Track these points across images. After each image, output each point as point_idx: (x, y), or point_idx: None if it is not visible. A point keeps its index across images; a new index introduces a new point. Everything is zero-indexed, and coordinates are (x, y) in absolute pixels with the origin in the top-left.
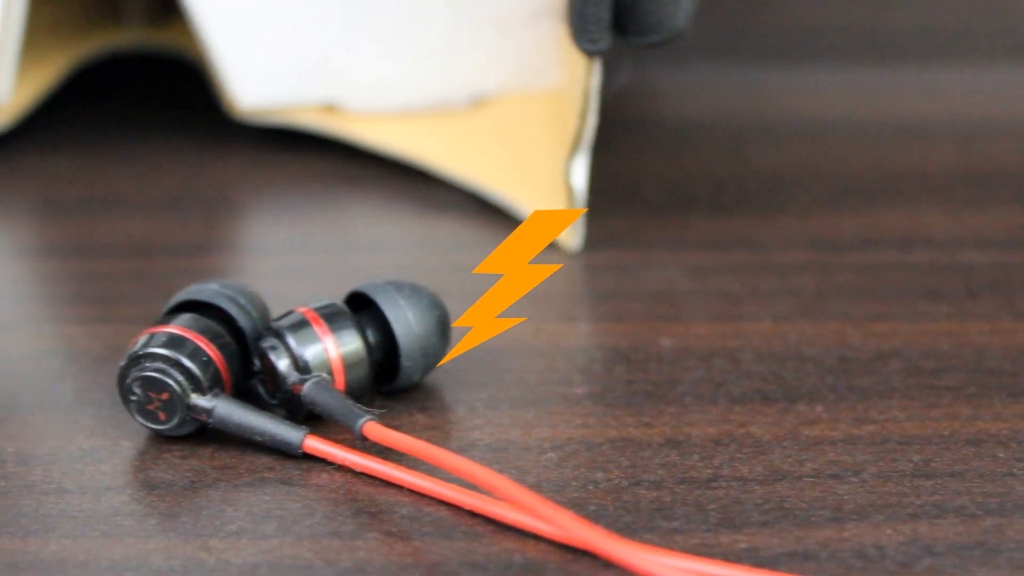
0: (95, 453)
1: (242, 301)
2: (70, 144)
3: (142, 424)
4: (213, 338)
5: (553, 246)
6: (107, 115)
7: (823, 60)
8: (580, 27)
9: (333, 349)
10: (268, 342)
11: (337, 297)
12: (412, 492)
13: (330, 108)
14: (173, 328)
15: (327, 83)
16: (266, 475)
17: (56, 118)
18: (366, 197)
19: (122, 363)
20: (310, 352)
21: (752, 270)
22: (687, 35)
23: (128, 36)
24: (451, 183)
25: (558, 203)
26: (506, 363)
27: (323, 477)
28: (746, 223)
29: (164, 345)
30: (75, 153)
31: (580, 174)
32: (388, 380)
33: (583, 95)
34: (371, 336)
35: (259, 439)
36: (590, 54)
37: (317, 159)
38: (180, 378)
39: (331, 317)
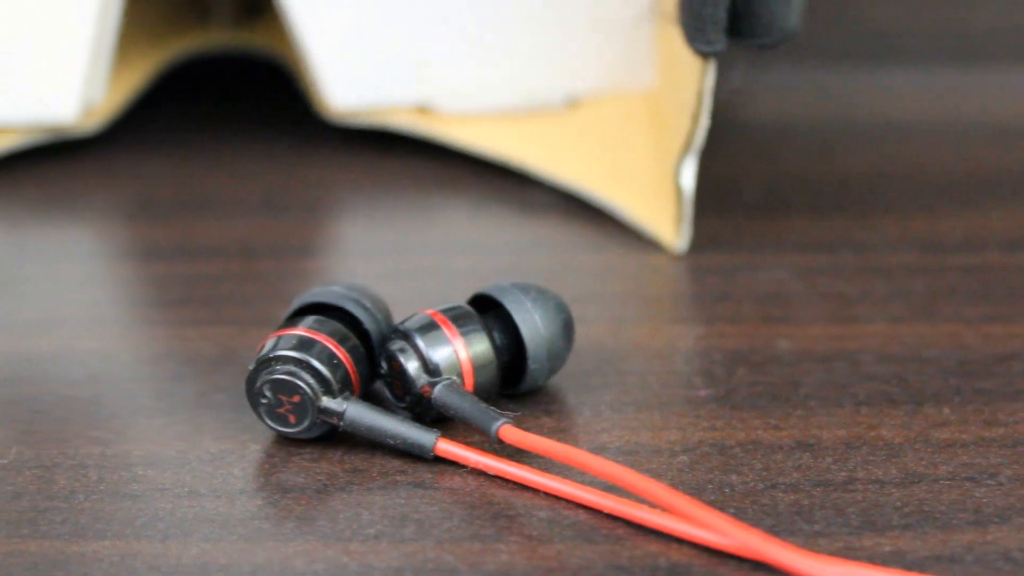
0: (224, 456)
1: (367, 303)
2: (162, 145)
3: (271, 428)
4: (341, 340)
5: (658, 247)
6: (197, 116)
7: (903, 61)
8: (697, 28)
9: (463, 351)
10: (396, 344)
11: (444, 299)
12: (547, 495)
13: (423, 109)
14: (302, 330)
15: (421, 84)
16: (398, 478)
17: (146, 120)
18: (461, 199)
19: (251, 367)
20: (440, 354)
21: (860, 272)
22: (798, 37)
23: (215, 37)
24: (546, 184)
25: (659, 204)
26: (625, 365)
27: (456, 480)
28: (847, 224)
29: (294, 347)
30: (167, 154)
31: (689, 176)
32: (513, 383)
33: (696, 97)
34: (498, 338)
35: (390, 442)
36: (706, 55)
37: (409, 160)
38: (311, 381)
39: (459, 319)
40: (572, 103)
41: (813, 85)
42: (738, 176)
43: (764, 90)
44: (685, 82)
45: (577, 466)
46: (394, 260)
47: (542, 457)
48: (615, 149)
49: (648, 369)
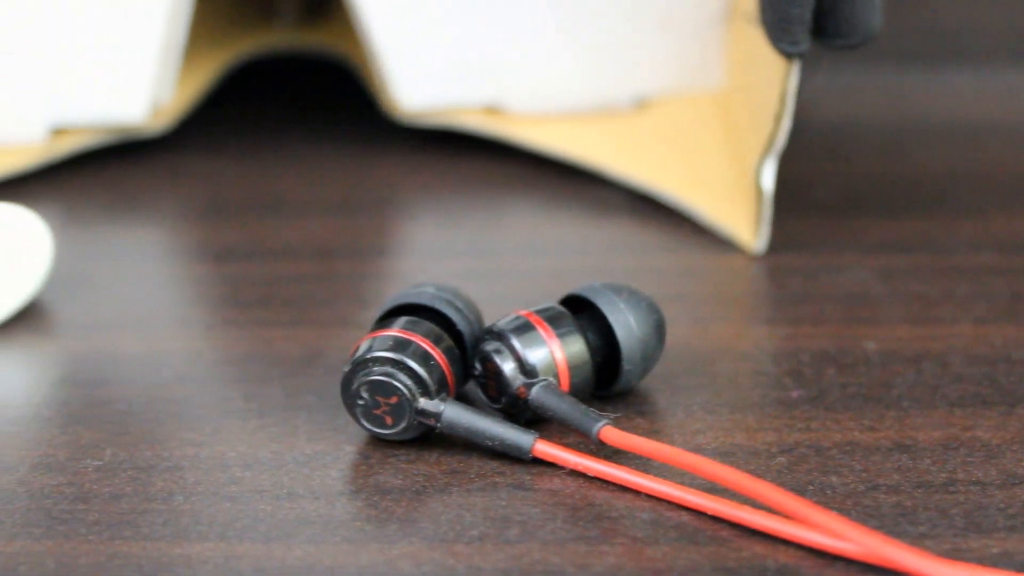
0: (320, 458)
1: (459, 304)
2: (228, 145)
3: (367, 429)
4: (436, 341)
5: (735, 248)
6: (261, 116)
7: (971, 61)
8: (783, 28)
9: (559, 352)
10: (491, 345)
11: (525, 301)
12: (648, 496)
13: (492, 110)
14: (397, 331)
15: (490, 84)
16: (497, 480)
17: (211, 120)
18: (531, 199)
19: (346, 369)
20: (536, 355)
21: (941, 273)
22: (879, 37)
23: (279, 37)
24: (616, 184)
25: (735, 205)
26: (714, 366)
27: (555, 481)
28: (923, 225)
29: (391, 348)
30: (234, 155)
31: (770, 177)
32: (606, 384)
33: (780, 98)
34: (592, 339)
35: (488, 443)
36: (791, 56)
37: (477, 160)
38: (408, 382)
39: (554, 320)
40: (641, 104)
41: (881, 85)
42: (810, 176)
43: (832, 90)
44: (764, 83)
45: (685, 468)
46: (470, 261)
47: (638, 458)
48: (686, 150)
49: (737, 370)
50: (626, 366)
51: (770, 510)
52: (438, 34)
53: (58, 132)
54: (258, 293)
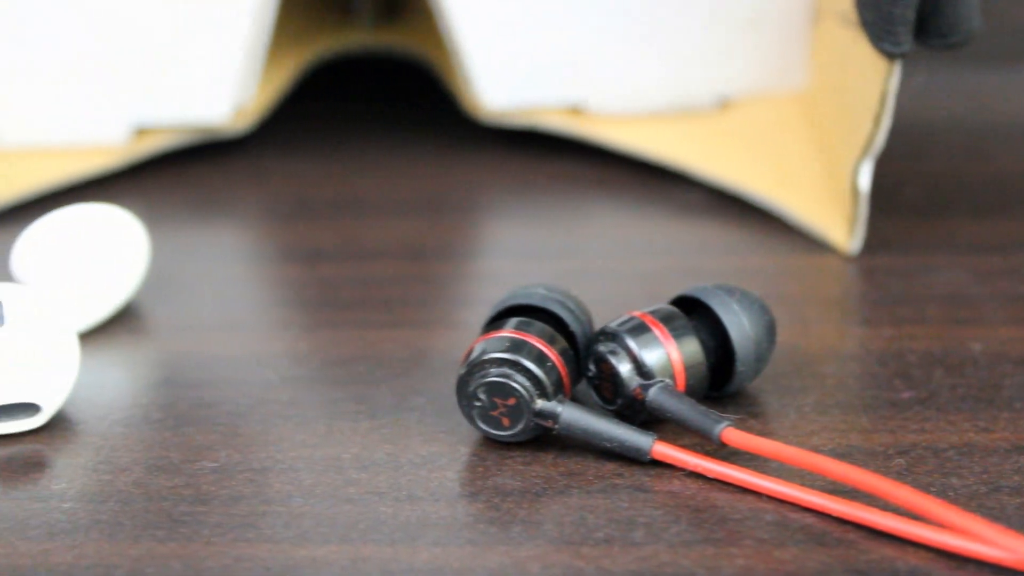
0: (435, 460)
1: (570, 305)
2: (308, 146)
3: (483, 431)
4: (551, 342)
5: (827, 248)
6: (339, 116)
7: None
8: (885, 29)
9: (675, 353)
10: (607, 346)
11: (624, 302)
12: (770, 498)
13: (575, 110)
14: (513, 333)
15: (574, 84)
16: (616, 481)
17: (290, 120)
18: (618, 200)
19: (462, 371)
20: (652, 356)
21: None
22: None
23: (357, 37)
24: (701, 184)
25: (827, 205)
26: (821, 367)
27: (674, 483)
28: (1013, 226)
29: (508, 350)
30: (315, 155)
31: (867, 178)
32: (718, 385)
33: (880, 99)
34: (705, 340)
35: (606, 445)
36: (893, 56)
37: (559, 161)
38: (526, 383)
39: (668, 321)
40: (723, 104)
41: (961, 85)
42: (895, 177)
43: (904, 91)
44: (859, 83)
45: (812, 469)
46: (562, 262)
47: (754, 460)
48: (771, 150)
49: (845, 371)
50: (739, 367)
51: (902, 512)
52: (522, 34)
53: (141, 132)
54: (355, 294)
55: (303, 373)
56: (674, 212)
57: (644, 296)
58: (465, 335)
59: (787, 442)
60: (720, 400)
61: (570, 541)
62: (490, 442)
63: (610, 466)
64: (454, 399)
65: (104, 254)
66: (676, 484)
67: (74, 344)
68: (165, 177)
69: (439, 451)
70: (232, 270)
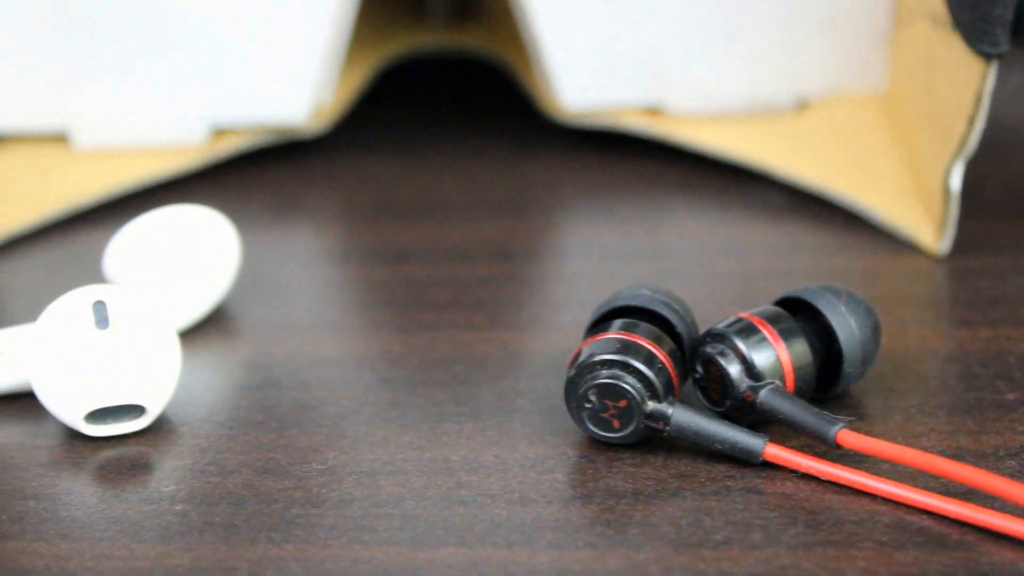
0: (543, 462)
1: (676, 307)
2: (383, 146)
3: (592, 433)
4: (660, 344)
5: (913, 249)
6: (413, 116)
7: None
8: (982, 29)
9: (784, 355)
10: (715, 348)
11: (716, 303)
12: (884, 500)
13: (653, 110)
14: (622, 334)
15: (652, 85)
16: (729, 483)
17: (364, 121)
18: (697, 200)
19: (571, 373)
20: (762, 358)
21: None
22: None
23: (430, 37)
24: (780, 184)
25: (913, 206)
26: (922, 369)
27: (787, 485)
28: None
29: (618, 351)
30: (391, 155)
31: (958, 179)
32: (824, 387)
33: (975, 100)
34: (813, 342)
35: (717, 447)
36: (990, 57)
37: (635, 161)
38: (638, 385)
39: (775, 322)
40: (801, 104)
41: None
42: (977, 178)
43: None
44: (949, 84)
45: (933, 471)
46: (648, 263)
47: (865, 461)
48: (853, 150)
49: (946, 372)
50: (847, 369)
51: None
52: (602, 35)
53: (218, 133)
54: (446, 296)
55: (401, 375)
56: (756, 213)
57: (736, 297)
58: (560, 337)
59: (896, 444)
60: (824, 402)
61: (688, 543)
62: (597, 444)
63: (720, 468)
64: (556, 400)
65: (198, 255)
66: (789, 486)
67: (177, 345)
68: (241, 178)
69: (547, 453)
70: (318, 271)
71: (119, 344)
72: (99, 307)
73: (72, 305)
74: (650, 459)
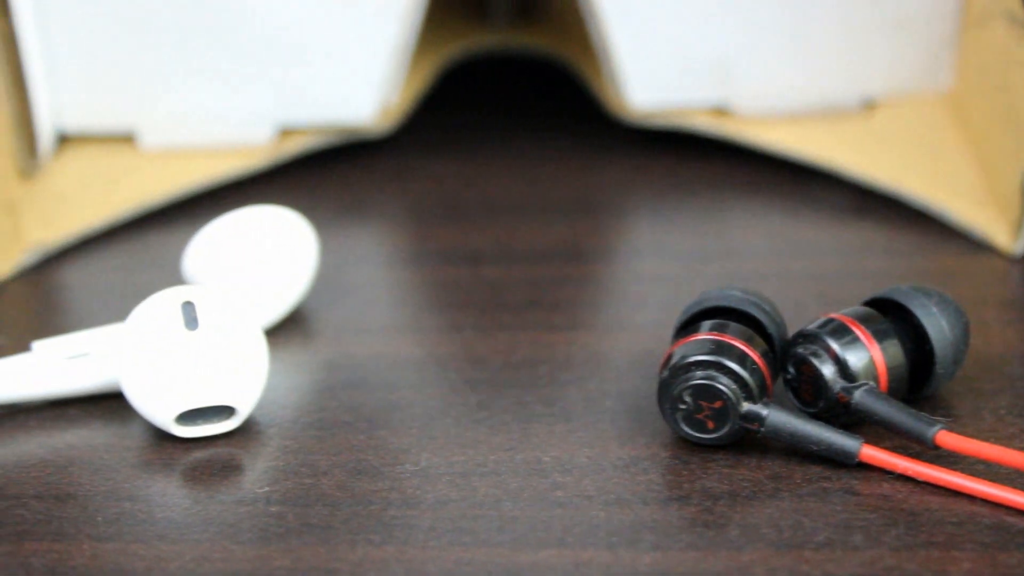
0: (638, 463)
1: (767, 307)
2: (448, 146)
3: (685, 434)
4: (753, 345)
5: (987, 249)
6: (475, 116)
7: None
8: None
9: (878, 355)
10: (807, 348)
11: (797, 305)
12: (984, 501)
13: (720, 111)
14: (716, 335)
15: (721, 85)
16: (825, 485)
17: (427, 121)
18: (765, 200)
19: (665, 374)
20: (857, 359)
21: None
22: None
23: (492, 37)
24: (848, 184)
25: (984, 206)
26: (1010, 369)
27: (884, 486)
28: None
29: (712, 352)
30: (456, 155)
31: None
32: (914, 388)
33: None
34: (903, 342)
35: (813, 448)
36: None
37: (701, 161)
38: (733, 386)
39: (866, 322)
40: (867, 104)
41: None
42: None
43: None
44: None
45: None
46: (722, 263)
47: (962, 462)
48: (922, 150)
49: None
50: (938, 370)
51: None
52: (671, 35)
53: (285, 133)
54: (523, 296)
55: (486, 376)
56: (825, 213)
57: (816, 298)
58: (641, 337)
59: (995, 445)
60: (913, 403)
61: (790, 545)
62: (689, 445)
63: (815, 469)
64: (643, 401)
65: (279, 255)
66: (885, 487)
67: (264, 346)
68: (306, 178)
69: (640, 454)
70: (392, 272)
71: (209, 345)
72: (188, 308)
73: (161, 306)
74: (744, 460)
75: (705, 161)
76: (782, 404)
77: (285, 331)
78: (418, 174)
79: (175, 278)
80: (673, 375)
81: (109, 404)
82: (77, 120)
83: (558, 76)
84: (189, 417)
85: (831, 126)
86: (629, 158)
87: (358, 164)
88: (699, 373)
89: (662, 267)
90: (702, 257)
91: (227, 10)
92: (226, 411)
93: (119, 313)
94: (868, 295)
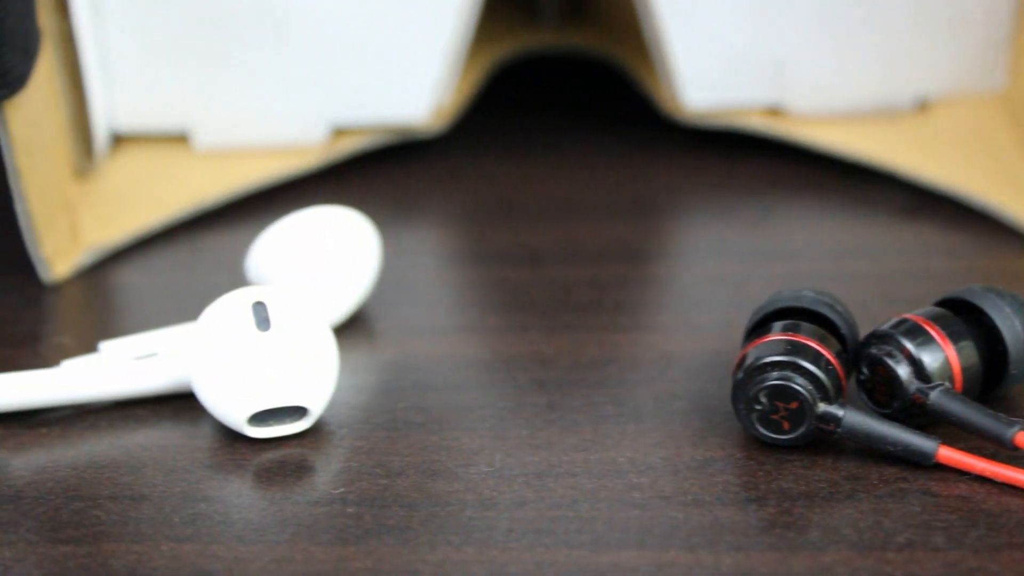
0: (712, 464)
1: (839, 308)
2: (498, 146)
3: (760, 434)
4: (828, 346)
5: None
6: (524, 116)
7: None
8: None
9: (953, 356)
10: (882, 349)
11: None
12: None
13: (774, 111)
14: (791, 336)
15: (775, 85)
16: (902, 486)
17: (477, 121)
18: (822, 200)
19: (739, 375)
20: (932, 359)
21: None
22: None
23: (541, 37)
24: (905, 185)
25: None
26: None
27: (961, 487)
28: None
29: (788, 353)
30: (506, 155)
31: None
32: (987, 388)
33: None
34: (977, 342)
35: (889, 449)
36: None
37: (754, 161)
38: (809, 386)
39: (941, 323)
40: (922, 104)
41: None
42: None
43: None
44: None
45: None
46: (782, 264)
47: None
48: (980, 150)
49: None
50: (1012, 370)
51: None
52: (727, 35)
53: (338, 133)
54: (587, 297)
55: (555, 376)
56: (882, 213)
57: (880, 299)
58: (707, 338)
59: None
60: (985, 404)
61: (871, 546)
62: (763, 445)
63: (891, 470)
64: (713, 402)
65: (344, 255)
66: (963, 488)
67: (335, 346)
68: (358, 178)
69: (714, 455)
70: (452, 272)
71: (282, 345)
72: (259, 308)
73: (232, 307)
74: (819, 461)
75: (757, 161)
76: (855, 405)
77: (349, 332)
78: (470, 174)
79: (232, 278)
80: (748, 376)
81: (177, 404)
82: (131, 120)
83: (601, 75)
84: (261, 418)
85: (885, 126)
86: (679, 157)
87: (408, 164)
88: (775, 374)
89: (722, 268)
90: (761, 258)
91: (283, 10)
92: (298, 411)
93: (178, 313)
94: (933, 296)
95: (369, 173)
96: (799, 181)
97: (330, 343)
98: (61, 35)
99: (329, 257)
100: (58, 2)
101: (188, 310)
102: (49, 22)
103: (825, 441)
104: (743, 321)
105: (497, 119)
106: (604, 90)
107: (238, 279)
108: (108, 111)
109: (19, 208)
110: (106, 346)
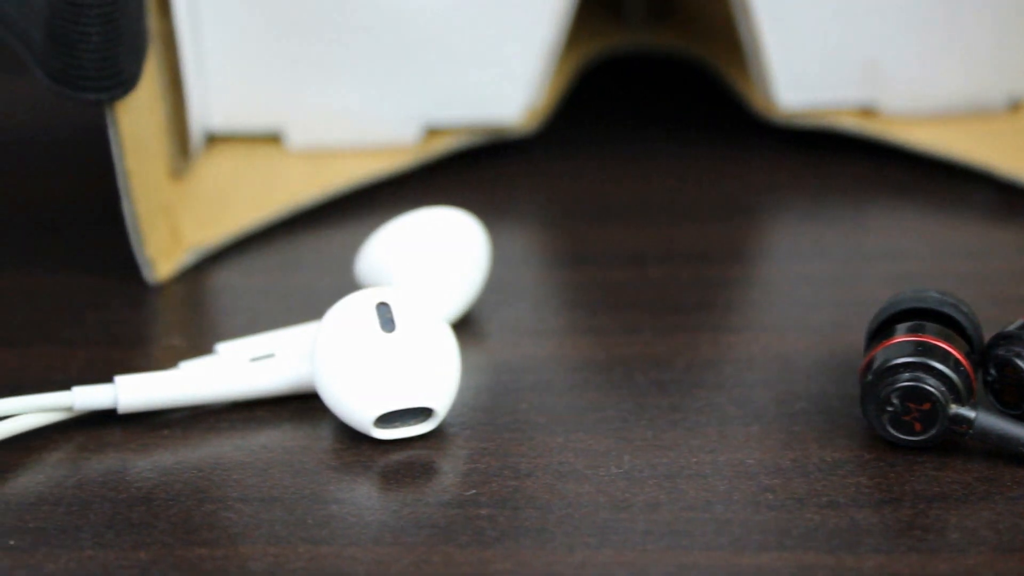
0: (842, 465)
1: (964, 309)
2: (589, 147)
3: (891, 436)
4: (958, 346)
5: None
6: (613, 116)
7: None
8: None
9: None
10: (1011, 350)
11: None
12: None
13: (867, 110)
14: (921, 337)
15: (868, 85)
16: None
17: (567, 121)
18: (917, 201)
19: (869, 377)
20: None
21: None
22: None
23: (628, 37)
24: (1001, 185)
25: None
26: None
27: None
28: None
29: (919, 354)
30: (598, 156)
31: None
32: None
33: None
34: None
35: (1022, 450)
36: None
37: (848, 162)
38: (942, 387)
39: None
40: (1015, 104)
41: None
42: None
43: None
44: None
45: None
46: (889, 265)
47: None
48: None
49: None
50: None
51: None
52: (821, 35)
53: (431, 133)
54: (694, 297)
55: (672, 377)
56: (979, 213)
57: (990, 300)
58: (821, 338)
59: None
60: None
61: (1013, 548)
62: (891, 447)
63: (1023, 472)
64: (835, 402)
65: (456, 256)
66: None
67: (456, 346)
68: (450, 178)
69: (843, 457)
70: (556, 272)
71: (407, 346)
72: (383, 309)
73: (356, 308)
74: (949, 463)
75: (849, 161)
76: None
77: (459, 333)
78: (563, 174)
79: (332, 278)
80: (879, 378)
81: (295, 406)
82: (224, 119)
83: (685, 75)
84: (387, 419)
85: (979, 125)
86: (771, 157)
87: (499, 164)
88: (906, 375)
89: (825, 268)
90: (864, 257)
91: (377, 9)
92: (422, 412)
93: (282, 314)
94: None
95: (460, 173)
96: (892, 181)
97: (453, 344)
98: (162, 36)
99: (444, 258)
100: (160, 2)
101: (292, 311)
102: (152, 22)
103: (952, 442)
104: (855, 322)
105: (585, 120)
106: (689, 90)
107: (338, 279)
108: (203, 111)
109: (126, 209)
110: (223, 347)
